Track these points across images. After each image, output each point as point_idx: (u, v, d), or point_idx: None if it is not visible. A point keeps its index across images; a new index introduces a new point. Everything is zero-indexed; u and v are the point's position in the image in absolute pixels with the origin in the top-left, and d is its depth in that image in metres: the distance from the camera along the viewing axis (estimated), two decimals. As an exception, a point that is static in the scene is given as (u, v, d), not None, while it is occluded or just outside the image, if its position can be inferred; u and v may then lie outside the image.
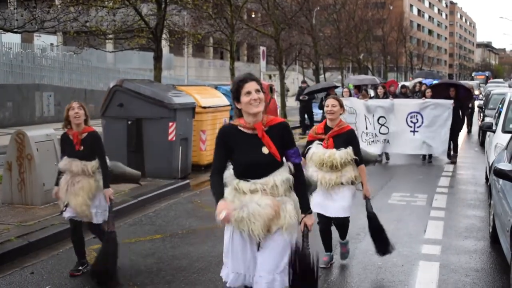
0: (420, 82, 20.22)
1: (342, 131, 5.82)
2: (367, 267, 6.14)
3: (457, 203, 9.50)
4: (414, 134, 13.85)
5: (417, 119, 13.83)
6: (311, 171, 5.67)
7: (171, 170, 10.91)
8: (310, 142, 5.93)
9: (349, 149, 5.69)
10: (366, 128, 14.10)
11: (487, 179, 10.55)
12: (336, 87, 17.97)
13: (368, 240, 7.21)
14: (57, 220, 7.46)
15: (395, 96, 15.68)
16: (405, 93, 17.11)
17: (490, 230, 7.16)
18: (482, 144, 16.65)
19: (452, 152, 14.43)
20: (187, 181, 10.91)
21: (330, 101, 5.82)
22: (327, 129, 5.90)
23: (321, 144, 5.82)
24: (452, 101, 13.75)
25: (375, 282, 5.70)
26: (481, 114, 21.24)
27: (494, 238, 6.84)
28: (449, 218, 8.44)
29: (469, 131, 22.18)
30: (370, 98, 15.76)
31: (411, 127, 13.89)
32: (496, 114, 12.62)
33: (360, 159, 5.77)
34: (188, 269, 6.05)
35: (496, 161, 7.37)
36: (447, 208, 9.05)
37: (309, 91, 19.66)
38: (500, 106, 12.55)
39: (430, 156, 14.40)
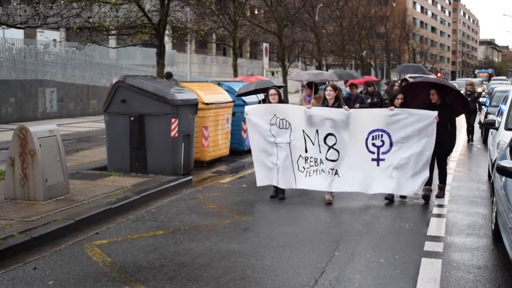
0: (406, 79, 15.47)
1: None
2: (369, 264, 6.14)
3: (460, 200, 9.48)
4: (378, 164, 9.06)
5: (382, 141, 8.99)
6: None
7: (174, 167, 10.92)
8: None
9: None
10: (306, 151, 9.25)
11: (489, 176, 10.55)
12: (280, 87, 11.76)
13: (371, 236, 7.24)
14: (59, 216, 7.48)
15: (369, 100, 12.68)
16: (372, 93, 13.94)
17: (493, 227, 7.16)
18: (484, 141, 16.60)
19: (438, 183, 9.58)
20: (190, 177, 10.91)
21: None
22: None
23: None
24: (436, 112, 8.81)
25: (377, 278, 5.70)
26: (480, 111, 20.35)
27: (496, 236, 6.84)
28: (451, 215, 8.43)
29: (470, 140, 18.24)
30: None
31: (373, 153, 9.05)
32: (499, 112, 12.59)
33: None
34: (190, 265, 6.06)
35: (499, 158, 7.36)
36: (449, 205, 9.04)
37: (240, 94, 13.31)
38: (503, 103, 12.52)
39: (404, 196, 9.36)
